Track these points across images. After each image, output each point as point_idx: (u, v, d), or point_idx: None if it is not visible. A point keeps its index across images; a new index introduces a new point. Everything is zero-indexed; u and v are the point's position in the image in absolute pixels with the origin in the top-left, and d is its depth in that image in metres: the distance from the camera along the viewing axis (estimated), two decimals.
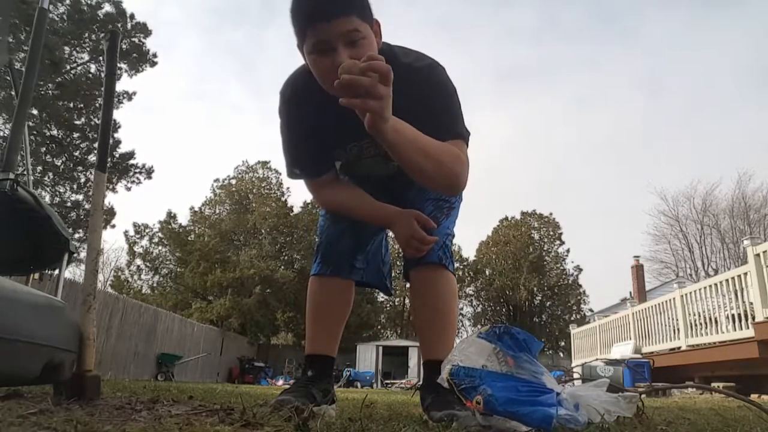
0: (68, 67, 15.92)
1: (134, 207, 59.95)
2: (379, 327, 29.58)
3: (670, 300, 8.65)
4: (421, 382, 1.62)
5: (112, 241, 50.12)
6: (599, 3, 46.65)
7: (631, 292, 20.45)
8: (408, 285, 1.68)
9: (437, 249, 1.55)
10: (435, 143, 1.28)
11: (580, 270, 31.43)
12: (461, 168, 1.34)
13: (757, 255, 6.18)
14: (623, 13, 45.96)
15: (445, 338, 1.57)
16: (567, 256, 31.78)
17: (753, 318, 6.18)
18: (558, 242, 32.10)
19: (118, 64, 16.90)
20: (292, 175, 1.57)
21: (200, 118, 55.75)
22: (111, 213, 17.30)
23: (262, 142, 55.19)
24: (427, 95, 1.38)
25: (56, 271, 2.66)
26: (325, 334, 1.67)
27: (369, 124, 1.10)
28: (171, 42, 47.98)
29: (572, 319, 28.91)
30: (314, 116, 1.42)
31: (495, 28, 48.13)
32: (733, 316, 6.75)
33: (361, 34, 1.24)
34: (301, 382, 1.60)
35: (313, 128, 1.48)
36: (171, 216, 25.52)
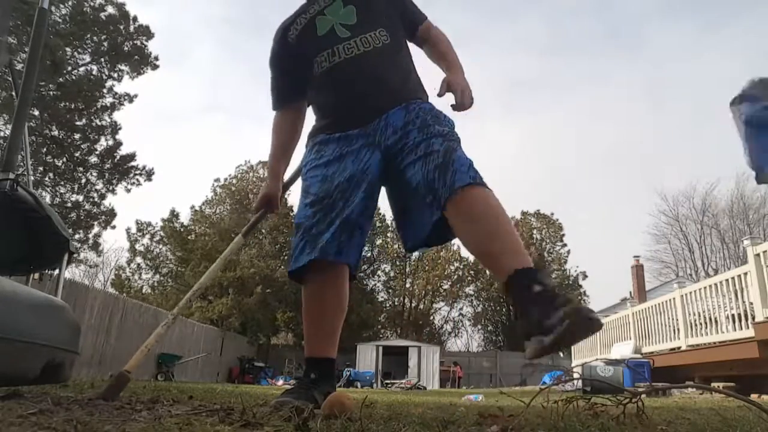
0: (69, 68, 15.91)
1: (137, 206, 60.05)
2: (379, 327, 29.54)
3: (670, 300, 8.64)
4: (516, 297, 1.32)
5: (113, 240, 50.38)
6: (604, 15, 47.13)
7: (631, 292, 20.42)
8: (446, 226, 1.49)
9: (465, 171, 1.45)
10: (450, 50, 1.88)
11: (585, 276, 31.37)
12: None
13: (757, 255, 6.17)
14: (627, 24, 46.35)
15: (520, 247, 1.40)
16: (568, 257, 31.76)
17: (753, 318, 6.17)
18: (560, 243, 32.05)
19: (119, 66, 16.92)
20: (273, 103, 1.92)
21: (207, 120, 55.92)
22: (111, 214, 17.30)
23: (263, 144, 55.42)
24: None
25: (56, 271, 2.67)
26: (322, 335, 1.65)
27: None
28: (183, 49, 48.51)
29: None
30: (292, 40, 1.80)
31: (504, 40, 48.53)
32: (733, 316, 6.74)
33: None
34: (303, 383, 1.59)
35: (291, 52, 1.80)
36: (174, 214, 25.49)
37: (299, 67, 1.79)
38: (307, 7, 1.83)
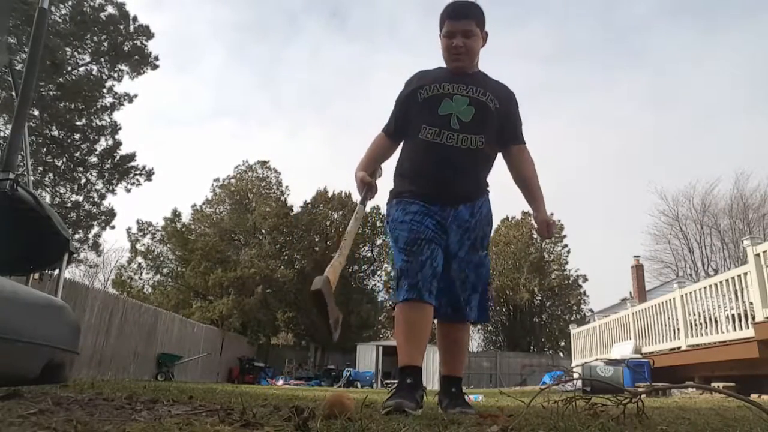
0: (69, 68, 15.90)
1: (137, 206, 60.22)
2: (379, 327, 29.52)
3: (670, 300, 8.64)
4: (440, 391, 2.18)
5: (113, 240, 50.40)
6: (606, 21, 47.38)
7: (631, 292, 20.43)
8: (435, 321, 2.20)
9: (482, 310, 2.14)
10: (534, 177, 2.26)
11: (586, 279, 31.35)
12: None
13: (757, 255, 6.17)
14: (629, 29, 46.59)
15: (461, 362, 2.22)
16: (568, 257, 31.73)
17: (753, 318, 6.17)
18: (560, 244, 32.02)
19: (119, 66, 16.91)
20: (387, 126, 2.32)
21: (208, 122, 56.00)
22: (111, 214, 17.28)
23: (264, 144, 55.54)
24: (513, 107, 2.26)
25: (56, 271, 2.66)
26: (416, 350, 2.00)
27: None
28: (189, 54, 48.79)
29: (572, 319, 28.83)
30: (424, 78, 2.21)
31: (509, 47, 48.97)
32: (733, 316, 6.74)
33: (473, 34, 2.16)
34: (404, 387, 1.91)
35: (421, 84, 2.17)
36: (176, 214, 25.46)
37: (412, 117, 2.19)
38: (444, 76, 2.18)
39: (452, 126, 2.07)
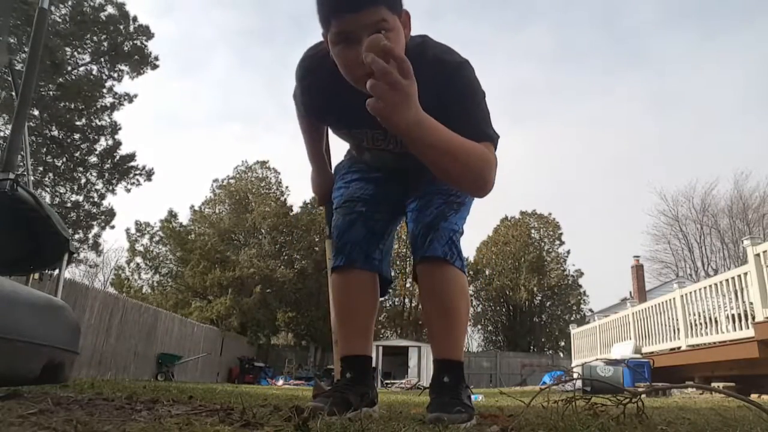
0: (69, 68, 15.91)
1: (137, 206, 60.35)
2: (379, 327, 29.55)
3: (670, 300, 8.64)
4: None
5: (113, 240, 50.46)
6: (608, 25, 47.58)
7: (631, 292, 20.45)
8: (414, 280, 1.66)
9: (442, 244, 1.49)
10: (463, 144, 1.17)
11: (581, 274, 31.41)
12: (489, 172, 1.23)
13: (757, 255, 6.17)
14: (631, 33, 46.86)
15: (451, 337, 1.53)
16: (567, 256, 31.76)
17: (753, 318, 6.17)
18: (558, 242, 32.07)
19: (119, 66, 16.92)
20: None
21: (210, 124, 56.12)
22: (111, 214, 17.29)
23: (268, 146, 55.67)
24: (457, 92, 1.31)
25: (56, 271, 2.67)
26: (356, 333, 1.59)
27: (382, 115, 0.99)
28: (194, 58, 49.10)
29: (572, 319, 28.85)
30: (322, 99, 1.44)
31: (510, 49, 49.27)
32: (733, 316, 6.74)
33: (388, 25, 1.17)
34: (339, 385, 1.52)
35: (320, 108, 1.51)
36: (172, 215, 25.48)
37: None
38: (350, 109, 1.35)
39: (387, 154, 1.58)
